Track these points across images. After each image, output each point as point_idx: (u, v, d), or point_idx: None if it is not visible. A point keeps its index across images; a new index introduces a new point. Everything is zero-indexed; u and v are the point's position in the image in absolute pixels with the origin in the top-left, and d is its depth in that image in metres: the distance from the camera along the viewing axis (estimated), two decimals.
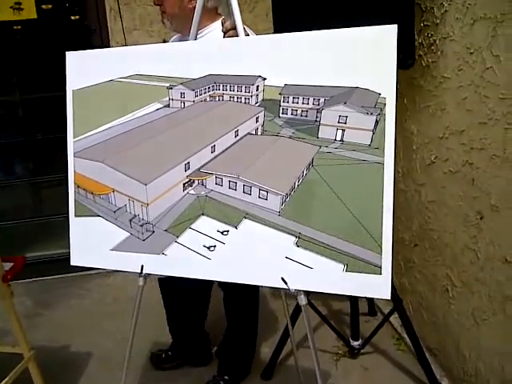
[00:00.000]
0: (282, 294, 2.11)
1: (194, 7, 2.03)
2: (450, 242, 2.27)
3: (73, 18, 4.17)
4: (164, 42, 3.43)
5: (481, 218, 2.02)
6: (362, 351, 2.64)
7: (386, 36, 1.33)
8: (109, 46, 3.48)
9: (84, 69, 1.69)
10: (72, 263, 1.76)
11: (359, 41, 1.36)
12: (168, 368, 2.64)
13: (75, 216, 1.74)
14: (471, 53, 1.96)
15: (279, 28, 2.24)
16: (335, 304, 3.11)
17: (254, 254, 1.50)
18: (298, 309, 2.49)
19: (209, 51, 1.52)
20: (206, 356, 2.64)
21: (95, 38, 3.51)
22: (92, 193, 1.70)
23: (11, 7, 3.48)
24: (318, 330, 2.87)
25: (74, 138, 1.72)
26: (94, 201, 1.70)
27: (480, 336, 2.11)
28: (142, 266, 1.62)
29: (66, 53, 1.71)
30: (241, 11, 1.49)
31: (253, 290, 2.35)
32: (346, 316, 3.01)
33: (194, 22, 1.59)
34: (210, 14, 2.06)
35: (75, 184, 1.73)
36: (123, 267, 1.68)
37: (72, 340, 2.91)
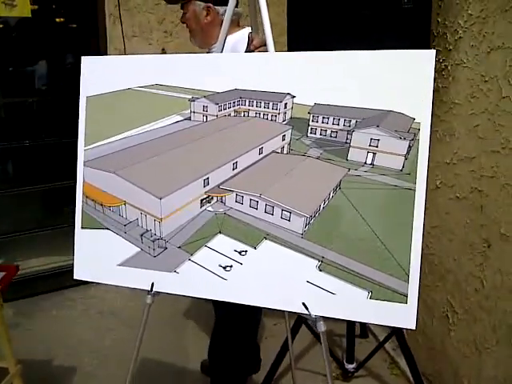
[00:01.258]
0: (285, 316, 2.06)
1: (210, 22, 2.04)
2: (452, 268, 2.26)
3: (58, 20, 4.09)
4: (163, 51, 3.39)
5: (488, 246, 2.02)
6: (355, 374, 2.60)
7: (423, 60, 1.31)
8: (106, 53, 3.41)
9: (100, 75, 1.63)
10: (75, 277, 1.68)
11: (396, 63, 1.33)
12: None
13: (82, 228, 1.66)
14: (486, 81, 1.97)
15: (293, 46, 2.22)
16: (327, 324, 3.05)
17: (274, 277, 1.44)
18: (294, 329, 2.45)
19: (236, 65, 1.47)
20: (255, 363, 2.55)
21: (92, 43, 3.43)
22: (102, 204, 1.63)
23: (2, 2, 3.36)
24: (309, 351, 2.83)
25: (85, 146, 1.65)
26: (104, 213, 1.63)
27: (481, 364, 2.09)
28: (153, 284, 1.54)
29: (82, 58, 1.65)
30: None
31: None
32: (337, 337, 2.98)
33: (222, 34, 1.54)
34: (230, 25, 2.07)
35: (83, 194, 1.65)
36: (131, 284, 1.61)
37: (55, 354, 2.80)
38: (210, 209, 1.52)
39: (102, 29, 3.36)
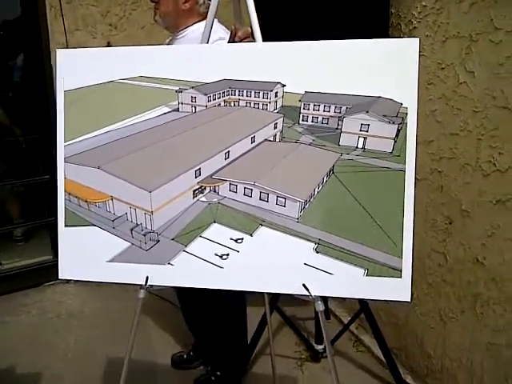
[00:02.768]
0: (265, 299, 2.10)
1: (188, 9, 2.05)
2: (415, 246, 2.38)
3: None
4: (108, 44, 3.31)
5: (450, 223, 2.15)
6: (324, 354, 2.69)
7: (408, 48, 1.38)
8: (48, 47, 3.28)
9: (78, 68, 1.58)
10: (61, 276, 1.63)
11: (383, 51, 1.40)
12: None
13: (65, 226, 1.62)
14: (442, 68, 2.09)
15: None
16: (290, 309, 3.13)
17: (272, 262, 1.48)
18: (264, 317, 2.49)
19: (224, 55, 1.49)
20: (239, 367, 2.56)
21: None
22: (86, 201, 1.59)
23: None
24: (276, 336, 2.88)
25: (65, 141, 1.60)
26: (89, 209, 1.60)
27: (446, 334, 2.24)
28: (147, 278, 1.53)
29: (57, 50, 1.60)
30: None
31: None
32: (301, 321, 3.06)
33: (207, 25, 1.55)
34: (199, 16, 2.16)
35: (65, 191, 1.60)
36: (123, 279, 1.59)
37: (16, 361, 2.68)
38: (203, 199, 1.53)
39: (44, 23, 3.22)
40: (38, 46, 3.23)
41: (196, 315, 2.54)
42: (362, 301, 2.43)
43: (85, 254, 1.60)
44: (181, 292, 2.54)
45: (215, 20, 2.06)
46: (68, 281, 3.58)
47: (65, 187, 1.60)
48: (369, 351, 2.74)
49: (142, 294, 1.57)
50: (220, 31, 2.10)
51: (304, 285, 1.45)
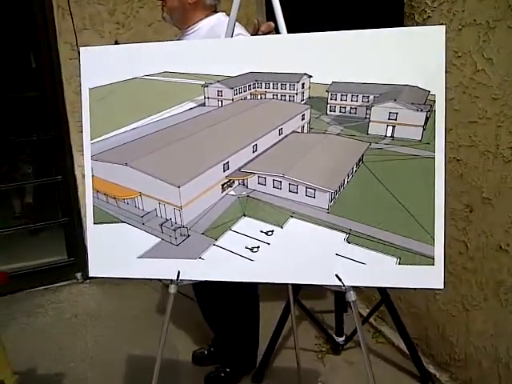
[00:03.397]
0: (289, 291, 2.11)
1: (194, 3, 2.04)
2: None
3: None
4: (116, 42, 3.31)
5: (470, 211, 2.16)
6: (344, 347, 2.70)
7: (434, 36, 1.38)
8: (57, 47, 3.28)
9: (101, 66, 1.58)
10: (91, 274, 1.63)
11: (409, 40, 1.40)
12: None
13: (94, 223, 1.62)
14: (459, 56, 2.09)
15: None
16: (308, 303, 3.13)
17: (303, 253, 1.49)
18: (287, 309, 2.51)
19: (250, 48, 1.49)
20: (252, 361, 2.56)
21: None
22: (115, 197, 1.60)
23: None
24: (298, 329, 2.88)
25: (91, 139, 1.60)
26: (118, 206, 1.60)
27: (469, 321, 2.24)
28: (179, 272, 1.54)
29: (81, 48, 1.60)
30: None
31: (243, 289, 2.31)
32: (318, 314, 3.06)
33: (231, 19, 1.55)
34: (207, 9, 2.15)
35: (93, 189, 1.61)
36: (154, 275, 1.59)
37: (37, 363, 2.68)
38: (232, 193, 1.54)
39: (51, 22, 3.22)
40: (48, 47, 3.23)
41: (210, 307, 2.54)
42: (383, 291, 2.44)
43: (114, 250, 1.61)
44: (195, 284, 2.53)
45: (222, 16, 2.06)
46: (83, 281, 3.60)
47: (92, 185, 1.60)
48: (389, 342, 2.75)
49: (172, 289, 1.57)
50: (238, 27, 2.10)
51: (337, 275, 1.45)
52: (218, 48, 1.52)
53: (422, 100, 1.40)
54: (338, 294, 2.65)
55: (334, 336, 2.68)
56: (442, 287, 1.43)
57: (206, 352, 2.68)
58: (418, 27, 1.41)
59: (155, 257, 1.57)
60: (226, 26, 2.02)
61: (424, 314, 2.54)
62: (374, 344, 2.77)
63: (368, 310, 3.01)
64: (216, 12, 2.20)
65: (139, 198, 1.58)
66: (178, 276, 1.55)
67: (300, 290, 2.52)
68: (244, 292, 2.36)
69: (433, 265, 1.42)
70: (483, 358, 2.19)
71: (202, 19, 2.18)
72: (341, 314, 2.65)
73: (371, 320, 2.90)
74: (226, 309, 2.41)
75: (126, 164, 1.57)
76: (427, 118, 1.41)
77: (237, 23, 2.09)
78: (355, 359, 2.65)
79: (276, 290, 2.46)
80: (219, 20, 2.16)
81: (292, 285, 2.05)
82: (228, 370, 2.50)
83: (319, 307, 3.10)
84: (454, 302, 2.31)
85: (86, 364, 2.67)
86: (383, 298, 2.45)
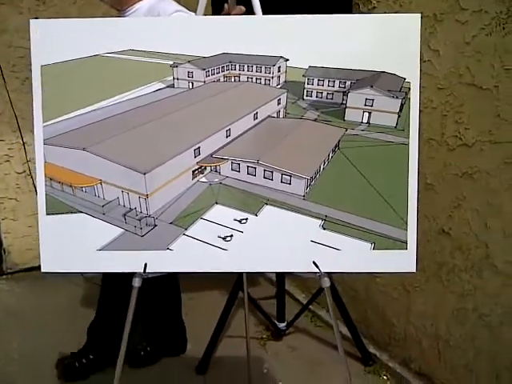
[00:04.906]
0: (244, 280, 2.07)
1: None
2: None
3: None
4: None
5: None
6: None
7: (411, 24, 1.40)
8: None
9: (56, 41, 1.43)
10: (43, 270, 1.49)
11: (385, 26, 1.41)
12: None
13: (47, 214, 1.47)
14: None
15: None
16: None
17: (278, 241, 1.45)
18: (232, 298, 2.48)
19: (223, 27, 1.42)
20: (181, 344, 2.58)
21: None
22: (71, 185, 1.46)
23: None
24: (235, 318, 2.86)
25: (44, 122, 1.45)
26: (74, 195, 1.47)
27: (410, 303, 2.34)
28: (146, 265, 1.44)
29: (30, 21, 1.43)
30: None
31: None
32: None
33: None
34: None
35: (46, 176, 1.46)
36: (117, 268, 1.48)
37: None
38: (203, 180, 1.46)
39: None
40: None
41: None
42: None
43: (71, 243, 1.48)
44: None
45: None
46: None
47: (45, 171, 1.45)
48: (327, 325, 2.80)
49: (137, 282, 1.47)
50: (173, 3, 2.02)
51: (314, 262, 1.44)
52: (188, 26, 1.43)
53: (397, 87, 1.42)
54: (280, 281, 2.65)
55: (276, 322, 2.68)
56: (415, 270, 1.46)
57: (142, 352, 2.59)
58: (395, 14, 1.42)
59: (118, 249, 1.46)
60: (165, 5, 1.95)
61: (363, 296, 2.61)
62: (313, 328, 2.82)
63: (304, 295, 3.07)
64: None
65: (99, 185, 1.45)
66: (145, 268, 1.45)
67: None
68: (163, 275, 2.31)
69: (406, 249, 1.45)
70: (423, 336, 2.30)
71: (139, 0, 2.07)
72: (282, 300, 2.66)
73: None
74: (148, 286, 2.35)
75: (84, 149, 1.44)
76: (402, 105, 1.43)
77: (172, 1, 2.02)
78: (297, 344, 2.68)
79: (209, 281, 2.43)
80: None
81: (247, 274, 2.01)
82: (149, 348, 2.50)
83: (255, 295, 3.08)
84: (395, 285, 2.40)
85: (13, 367, 2.46)
86: None
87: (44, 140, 1.45)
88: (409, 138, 1.42)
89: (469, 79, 1.93)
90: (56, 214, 1.47)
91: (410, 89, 1.41)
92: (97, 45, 1.42)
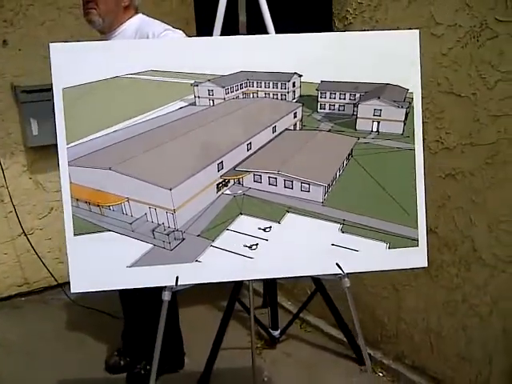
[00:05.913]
0: (250, 288, 2.13)
1: (128, 5, 2.02)
2: None
3: None
4: (4, 42, 3.04)
5: None
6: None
7: (411, 39, 1.54)
8: None
9: (76, 64, 1.47)
10: (73, 290, 1.51)
11: (388, 42, 1.54)
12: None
13: (75, 235, 1.49)
14: None
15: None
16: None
17: (301, 246, 1.54)
18: (230, 307, 2.52)
19: (240, 47, 1.50)
20: (179, 359, 2.59)
21: None
22: (98, 205, 1.49)
23: None
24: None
25: (68, 144, 1.48)
26: (102, 214, 1.50)
27: (400, 300, 2.47)
28: (177, 278, 1.49)
29: (50, 45, 1.46)
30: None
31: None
32: (242, 312, 3.10)
33: (218, 19, 1.54)
34: (133, 10, 2.14)
35: (72, 197, 1.49)
36: (148, 283, 1.52)
37: None
38: (227, 192, 1.53)
39: None
40: None
41: (132, 303, 2.51)
42: (317, 281, 2.57)
43: (101, 262, 1.50)
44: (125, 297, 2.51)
45: (144, 16, 2.08)
46: None
47: (71, 193, 1.48)
48: (317, 330, 2.89)
49: (166, 296, 1.52)
50: (159, 24, 2.09)
51: (337, 264, 1.53)
52: (207, 46, 1.50)
53: (401, 97, 1.54)
54: (271, 290, 2.73)
55: (270, 330, 2.74)
56: (426, 265, 1.58)
57: (121, 362, 2.60)
58: (396, 31, 1.55)
59: (148, 264, 1.51)
60: (154, 27, 2.03)
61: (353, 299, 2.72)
62: (304, 334, 2.90)
63: (290, 303, 3.15)
64: (137, 13, 2.18)
65: (127, 203, 1.50)
66: (177, 281, 1.50)
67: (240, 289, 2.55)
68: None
69: (417, 246, 1.57)
70: (415, 331, 2.43)
71: (126, 20, 2.13)
72: (275, 308, 2.73)
73: (294, 311, 3.01)
74: (146, 305, 2.38)
75: (110, 168, 1.48)
76: (407, 114, 1.55)
77: (158, 22, 2.10)
78: (291, 350, 2.75)
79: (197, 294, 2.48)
80: (143, 20, 2.14)
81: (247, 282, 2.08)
82: (149, 367, 2.46)
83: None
84: (384, 284, 2.53)
85: None
86: (318, 287, 2.58)
87: (69, 162, 1.48)
88: (414, 143, 1.55)
89: (447, 88, 2.09)
90: (84, 234, 1.49)
91: (412, 98, 1.54)
92: (117, 66, 1.47)
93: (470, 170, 2.08)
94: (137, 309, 2.47)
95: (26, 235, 3.27)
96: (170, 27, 2.04)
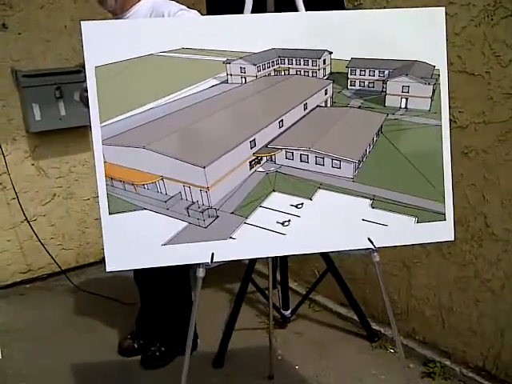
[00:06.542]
0: (269, 267, 2.15)
1: None
2: None
3: None
4: (4, 25, 3.00)
5: None
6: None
7: (437, 16, 1.56)
8: None
9: (108, 42, 1.46)
10: (109, 269, 1.51)
11: (415, 19, 1.56)
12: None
13: (110, 213, 1.50)
14: None
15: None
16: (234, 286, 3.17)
17: (332, 222, 1.57)
18: (242, 289, 2.55)
19: (271, 24, 1.51)
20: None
21: None
22: (133, 184, 1.50)
23: None
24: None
25: (101, 122, 1.47)
26: (137, 192, 1.50)
27: (411, 278, 2.53)
28: (213, 254, 1.51)
29: (82, 22, 1.45)
30: None
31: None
32: (251, 294, 3.12)
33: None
34: None
35: (106, 176, 1.49)
36: (183, 260, 1.53)
37: None
38: (260, 169, 1.55)
39: None
40: None
41: (147, 284, 2.52)
42: (328, 260, 2.61)
43: (136, 240, 1.51)
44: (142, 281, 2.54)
45: None
46: None
47: (105, 172, 1.48)
48: (325, 309, 2.94)
49: (201, 272, 1.54)
50: (173, 3, 2.08)
51: (369, 238, 1.56)
52: (238, 24, 1.51)
53: (428, 74, 1.57)
54: (282, 270, 2.76)
55: (282, 310, 2.78)
56: (453, 239, 1.62)
57: (135, 345, 2.62)
58: (422, 8, 1.57)
59: (183, 242, 1.52)
60: (169, 5, 2.02)
61: (361, 278, 2.77)
62: (313, 313, 2.95)
63: (296, 284, 3.19)
64: None
65: (161, 182, 1.50)
66: (212, 258, 1.51)
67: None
68: (177, 270, 2.38)
69: (444, 220, 1.61)
70: (426, 307, 2.49)
71: (138, 1, 2.12)
72: (286, 288, 2.76)
73: (301, 291, 3.05)
74: (160, 286, 2.42)
75: (144, 147, 1.48)
76: (434, 90, 1.58)
77: (173, 1, 2.09)
78: (301, 329, 2.80)
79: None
80: (156, 1, 2.13)
81: (273, 261, 2.10)
82: (163, 348, 2.53)
83: (249, 288, 3.16)
84: (395, 262, 2.57)
85: (24, 381, 2.40)
86: (329, 267, 2.62)
87: (102, 140, 1.47)
88: (441, 119, 1.58)
89: (460, 67, 2.13)
90: (119, 212, 1.50)
91: (439, 75, 1.57)
92: (150, 44, 1.47)
93: (483, 148, 2.12)
94: (153, 291, 2.48)
95: (28, 222, 3.24)
96: (185, 7, 2.04)
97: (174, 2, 2.08)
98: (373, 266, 2.61)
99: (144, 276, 2.46)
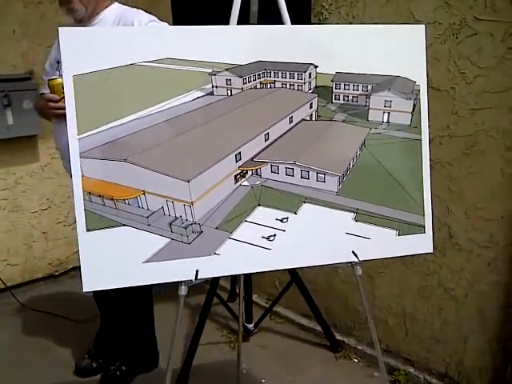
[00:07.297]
0: (241, 284, 2.11)
1: None
2: None
3: None
4: None
5: None
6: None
7: (417, 33, 1.59)
8: None
9: (88, 50, 1.37)
10: (86, 289, 1.42)
11: (396, 36, 1.58)
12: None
13: (87, 230, 1.41)
14: None
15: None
16: (196, 299, 3.11)
17: (317, 236, 1.55)
18: (207, 302, 2.49)
19: (257, 36, 1.48)
20: (154, 359, 2.52)
21: None
22: (113, 199, 1.42)
23: None
24: (192, 327, 2.85)
25: (79, 134, 1.39)
26: (117, 208, 1.42)
27: (374, 288, 2.56)
28: (197, 271, 1.46)
29: (60, 29, 1.36)
30: None
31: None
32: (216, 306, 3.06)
33: (234, 9, 1.50)
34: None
35: (84, 191, 1.40)
36: (165, 278, 1.45)
37: None
38: (245, 183, 1.51)
39: None
40: None
41: (107, 302, 2.43)
42: (293, 272, 2.60)
43: (115, 258, 1.43)
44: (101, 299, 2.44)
45: (121, 5, 2.02)
46: None
47: (83, 186, 1.40)
48: (288, 321, 2.93)
49: (183, 290, 1.48)
50: (143, 13, 2.02)
51: (353, 252, 1.56)
52: (224, 35, 1.47)
53: (409, 89, 1.60)
54: (246, 283, 2.72)
55: (245, 323, 2.73)
56: (432, 251, 1.65)
57: (93, 365, 2.51)
58: (403, 25, 1.60)
59: (165, 259, 1.45)
60: (138, 15, 1.97)
61: (324, 289, 2.78)
62: (275, 325, 2.93)
63: (256, 295, 3.16)
64: (115, 0, 2.11)
65: (143, 196, 1.43)
66: (197, 275, 1.46)
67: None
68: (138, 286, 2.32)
69: (424, 232, 1.63)
70: (389, 316, 2.53)
71: (104, 8, 2.05)
72: (250, 301, 2.73)
73: (263, 304, 3.03)
74: (121, 304, 2.33)
75: (125, 160, 1.41)
76: (414, 105, 1.61)
77: (142, 11, 2.04)
78: (265, 342, 2.77)
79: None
80: (125, 9, 2.07)
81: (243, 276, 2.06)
82: (124, 368, 2.43)
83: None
84: None
85: None
86: (293, 278, 2.61)
87: (80, 153, 1.39)
88: (421, 134, 1.60)
89: (428, 82, 2.18)
90: (97, 229, 1.41)
91: (419, 91, 1.59)
92: (132, 53, 1.40)
93: (447, 161, 2.18)
94: (113, 308, 2.38)
95: None
96: (156, 18, 1.97)
97: (143, 12, 2.01)
98: (336, 277, 2.66)
99: (104, 293, 2.34)
